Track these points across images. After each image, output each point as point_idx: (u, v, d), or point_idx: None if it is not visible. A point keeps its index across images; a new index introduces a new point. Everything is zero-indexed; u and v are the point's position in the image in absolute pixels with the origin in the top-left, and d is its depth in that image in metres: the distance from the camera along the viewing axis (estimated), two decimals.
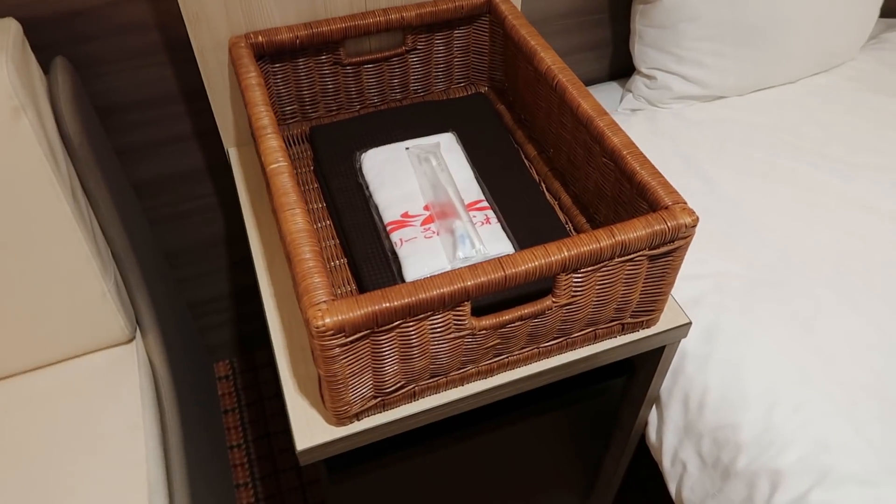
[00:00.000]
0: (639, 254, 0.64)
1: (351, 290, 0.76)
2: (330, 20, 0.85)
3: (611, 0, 1.16)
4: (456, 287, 0.57)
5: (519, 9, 0.96)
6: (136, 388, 0.87)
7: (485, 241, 0.75)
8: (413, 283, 0.57)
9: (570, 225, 0.83)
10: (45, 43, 0.89)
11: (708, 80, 1.10)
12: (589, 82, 1.27)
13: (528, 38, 0.83)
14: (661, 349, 0.80)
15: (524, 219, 0.81)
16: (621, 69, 1.29)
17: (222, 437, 1.33)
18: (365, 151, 0.86)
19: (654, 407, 0.92)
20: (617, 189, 0.73)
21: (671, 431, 0.89)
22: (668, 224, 0.62)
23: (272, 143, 0.70)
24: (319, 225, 0.83)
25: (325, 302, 0.55)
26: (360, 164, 0.85)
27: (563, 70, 0.78)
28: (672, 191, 0.65)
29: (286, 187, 0.65)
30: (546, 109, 0.85)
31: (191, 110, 1.03)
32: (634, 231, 0.62)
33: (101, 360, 0.90)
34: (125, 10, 0.90)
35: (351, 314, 0.55)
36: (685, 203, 0.64)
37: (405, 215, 0.78)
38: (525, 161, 0.90)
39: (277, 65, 0.88)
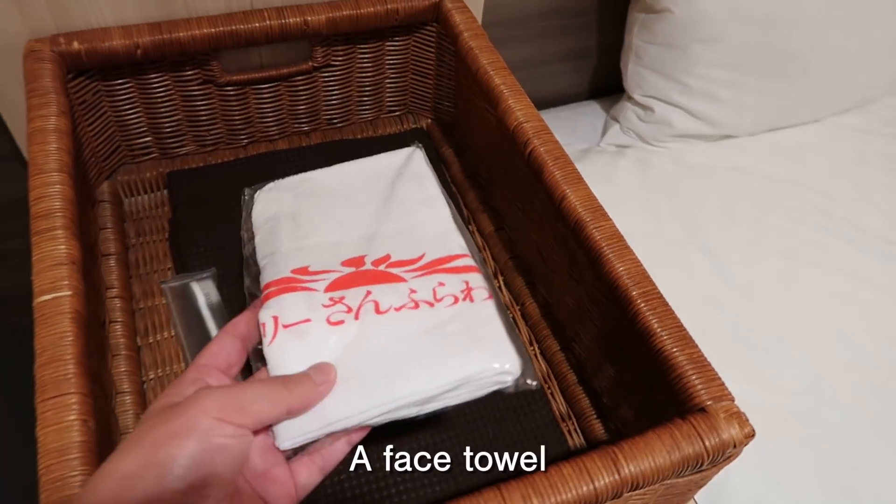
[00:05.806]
0: (649, 488, 0.39)
1: None
2: (193, 21, 0.56)
3: (601, 0, 0.89)
4: None
5: (480, 15, 0.68)
6: None
7: (478, 337, 0.41)
8: None
9: (537, 349, 0.58)
10: None
11: (719, 117, 0.85)
12: (564, 99, 1.00)
13: (492, 71, 0.56)
14: None
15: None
16: (605, 86, 1.02)
17: None
18: (260, 188, 0.54)
19: None
20: (614, 328, 0.48)
21: None
22: (707, 443, 0.37)
23: (55, 251, 0.41)
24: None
25: None
26: (251, 210, 0.53)
27: (540, 132, 0.51)
28: (711, 375, 0.40)
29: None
30: (510, 173, 0.58)
31: None
32: (651, 458, 0.36)
33: None
34: None
35: None
36: (732, 400, 0.39)
37: (299, 272, 0.44)
38: (474, 240, 0.63)
39: (117, 81, 0.58)
